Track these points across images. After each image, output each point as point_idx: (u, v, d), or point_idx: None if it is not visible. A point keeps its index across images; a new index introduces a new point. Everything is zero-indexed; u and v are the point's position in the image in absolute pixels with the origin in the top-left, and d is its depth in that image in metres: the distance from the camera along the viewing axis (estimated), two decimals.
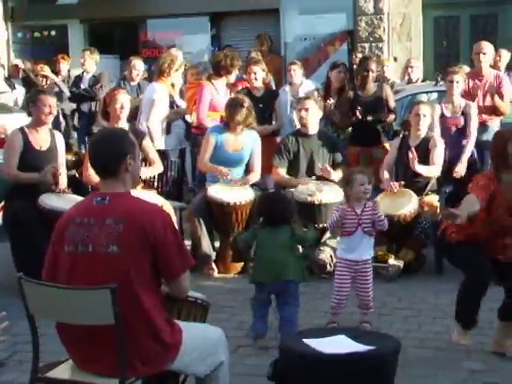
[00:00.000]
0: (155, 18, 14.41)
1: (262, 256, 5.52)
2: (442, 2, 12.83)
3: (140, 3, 14.38)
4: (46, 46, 15.27)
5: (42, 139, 6.78)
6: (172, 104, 8.90)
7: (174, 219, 7.24)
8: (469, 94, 8.41)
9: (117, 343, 3.34)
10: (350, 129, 8.82)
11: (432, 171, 7.38)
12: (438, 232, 5.53)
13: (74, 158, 8.54)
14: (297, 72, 9.47)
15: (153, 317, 3.46)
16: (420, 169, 7.28)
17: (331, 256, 6.98)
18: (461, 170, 7.86)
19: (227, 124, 7.64)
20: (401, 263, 7.11)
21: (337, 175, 7.48)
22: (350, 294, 5.77)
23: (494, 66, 9.42)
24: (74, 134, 11.12)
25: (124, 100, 7.47)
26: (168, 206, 7.13)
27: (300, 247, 5.68)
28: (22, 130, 6.75)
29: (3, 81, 11.28)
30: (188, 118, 9.05)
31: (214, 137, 7.63)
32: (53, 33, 15.38)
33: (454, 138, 8.00)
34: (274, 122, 8.90)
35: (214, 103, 8.53)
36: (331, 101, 8.94)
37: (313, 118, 7.69)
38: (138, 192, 6.96)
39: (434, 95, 8.80)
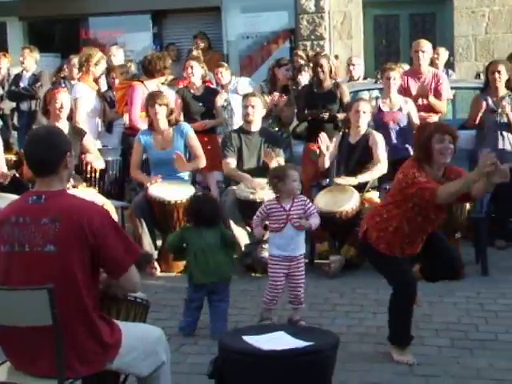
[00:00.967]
0: (96, 16, 14.28)
1: (195, 258, 5.64)
2: (381, 0, 12.98)
3: (81, 1, 14.23)
4: None
5: None
6: (106, 98, 8.97)
7: (116, 218, 7.23)
8: (406, 91, 8.50)
9: (55, 344, 3.31)
10: (292, 126, 8.86)
11: (374, 174, 7.44)
12: (358, 231, 5.44)
13: (14, 158, 8.42)
14: (224, 74, 9.40)
15: (92, 316, 3.43)
16: (364, 178, 7.35)
17: None
18: None
19: (151, 124, 7.64)
20: (343, 259, 7.16)
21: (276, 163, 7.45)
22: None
23: (433, 64, 9.55)
24: (15, 134, 10.95)
25: (64, 99, 7.42)
26: (109, 205, 7.09)
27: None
28: None
29: None
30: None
31: (139, 141, 7.63)
32: None
33: (396, 135, 8.09)
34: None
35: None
36: (283, 98, 8.91)
37: (258, 115, 7.72)
38: (79, 190, 6.93)
39: (376, 92, 8.89)
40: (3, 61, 11.63)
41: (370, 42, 13.16)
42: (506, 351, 5.19)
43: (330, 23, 12.90)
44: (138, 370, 3.64)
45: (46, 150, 3.51)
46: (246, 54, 13.48)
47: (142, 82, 8.59)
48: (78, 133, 7.56)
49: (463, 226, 7.00)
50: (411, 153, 7.21)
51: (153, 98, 7.54)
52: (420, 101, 8.47)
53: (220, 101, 9.02)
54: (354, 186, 7.31)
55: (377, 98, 8.50)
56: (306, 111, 8.51)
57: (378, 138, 7.56)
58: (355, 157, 7.51)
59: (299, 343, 3.70)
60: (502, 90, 8.09)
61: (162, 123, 7.54)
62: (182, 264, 7.26)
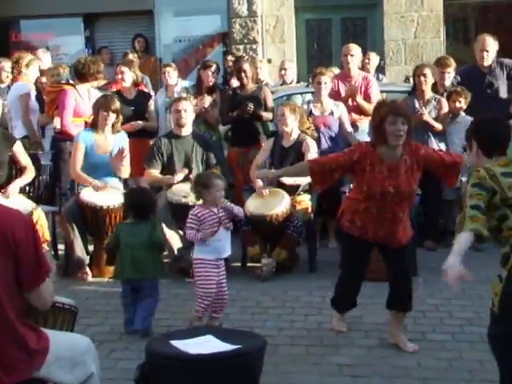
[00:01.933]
0: (27, 19, 14.06)
1: (123, 253, 5.78)
2: (313, 4, 13.06)
3: (12, 3, 13.96)
4: None
5: None
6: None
7: (46, 224, 7.15)
8: (337, 95, 8.60)
9: None
10: (222, 128, 8.91)
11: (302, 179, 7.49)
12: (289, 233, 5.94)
13: None
14: (171, 74, 9.49)
15: (16, 324, 3.37)
16: (287, 181, 7.39)
17: None
18: None
19: (94, 126, 7.59)
20: (274, 262, 7.20)
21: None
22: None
23: (364, 68, 9.68)
24: None
25: None
26: (39, 211, 7.02)
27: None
28: None
29: None
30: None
31: (82, 143, 7.55)
32: None
33: (326, 139, 8.19)
34: None
35: (78, 109, 8.44)
36: (208, 100, 8.94)
37: (190, 119, 7.74)
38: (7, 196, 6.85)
39: (309, 96, 8.96)
40: None
41: (303, 45, 13.24)
42: (434, 350, 5.29)
43: (262, 27, 12.94)
44: (66, 379, 3.56)
45: None
46: (180, 57, 13.44)
47: (74, 86, 8.52)
48: (9, 140, 7.38)
49: None
50: None
51: (107, 103, 7.51)
52: (350, 102, 8.59)
53: (154, 104, 9.03)
54: (285, 189, 7.36)
55: (309, 101, 8.58)
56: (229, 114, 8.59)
57: (311, 145, 7.63)
58: (289, 160, 7.55)
59: (226, 346, 3.72)
60: (428, 93, 8.24)
61: (108, 129, 7.54)
62: (113, 269, 7.25)
